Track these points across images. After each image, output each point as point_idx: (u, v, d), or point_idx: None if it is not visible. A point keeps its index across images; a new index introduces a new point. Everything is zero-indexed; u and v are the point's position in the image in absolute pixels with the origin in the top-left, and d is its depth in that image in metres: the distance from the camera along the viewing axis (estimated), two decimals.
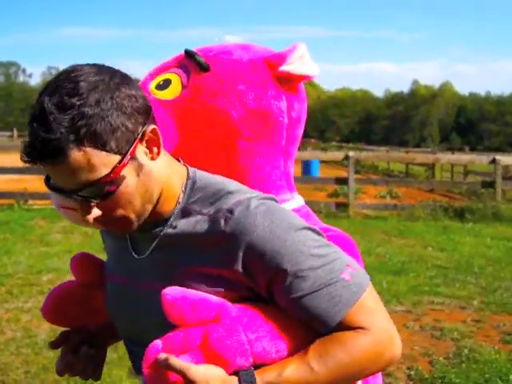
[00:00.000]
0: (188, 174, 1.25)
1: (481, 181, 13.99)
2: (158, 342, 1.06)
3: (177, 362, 1.01)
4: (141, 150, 1.12)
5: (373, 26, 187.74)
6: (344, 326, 1.12)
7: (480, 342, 4.88)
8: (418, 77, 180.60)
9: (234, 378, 1.05)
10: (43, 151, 1.02)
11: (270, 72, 1.46)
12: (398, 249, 8.63)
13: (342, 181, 12.47)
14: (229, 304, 1.12)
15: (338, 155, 14.54)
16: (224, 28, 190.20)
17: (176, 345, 1.06)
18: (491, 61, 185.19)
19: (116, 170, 1.07)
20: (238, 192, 1.20)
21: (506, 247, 8.89)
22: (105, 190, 1.08)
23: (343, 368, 1.11)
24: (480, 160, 13.96)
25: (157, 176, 1.16)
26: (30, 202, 11.93)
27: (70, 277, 5.49)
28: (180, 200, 1.22)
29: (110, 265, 1.39)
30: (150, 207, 1.18)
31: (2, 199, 11.91)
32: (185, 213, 1.21)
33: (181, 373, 1.01)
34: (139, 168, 1.12)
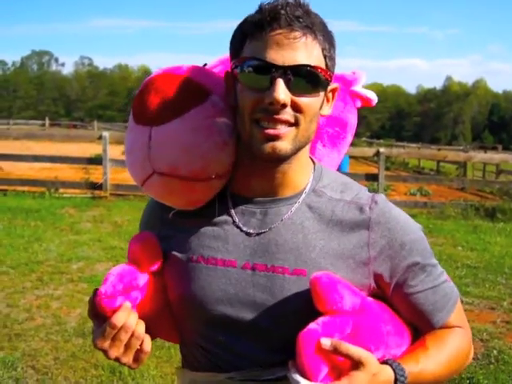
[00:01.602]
0: (312, 158, 1.31)
1: None
2: (316, 327, 1.08)
3: (344, 345, 1.06)
4: (328, 91, 1.21)
5: (406, 22, 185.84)
6: (447, 324, 1.25)
7: (509, 343, 4.82)
8: (452, 73, 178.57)
9: (387, 367, 1.11)
10: (300, 18, 1.10)
11: (346, 89, 1.49)
12: None
13: (372, 177, 12.36)
14: (365, 296, 1.18)
15: (368, 151, 14.43)
16: None
17: (333, 331, 1.08)
18: None
19: (328, 74, 1.15)
20: (361, 186, 1.29)
21: None
22: (317, 78, 1.13)
23: (452, 362, 1.24)
24: None
25: (316, 127, 1.21)
26: (61, 190, 12.06)
27: (99, 266, 5.57)
28: (310, 179, 1.26)
29: (193, 246, 1.26)
30: (303, 148, 1.20)
31: (33, 187, 12.08)
32: (316, 193, 1.25)
33: (348, 356, 1.05)
34: (322, 103, 1.19)
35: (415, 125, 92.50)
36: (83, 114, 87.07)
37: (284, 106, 1.09)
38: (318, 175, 1.27)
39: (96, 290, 1.19)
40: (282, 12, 1.09)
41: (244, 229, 1.23)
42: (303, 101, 1.12)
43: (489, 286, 6.52)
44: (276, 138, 1.11)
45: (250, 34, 1.13)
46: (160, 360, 4.26)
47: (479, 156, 16.56)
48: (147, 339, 1.17)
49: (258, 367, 1.20)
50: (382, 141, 41.55)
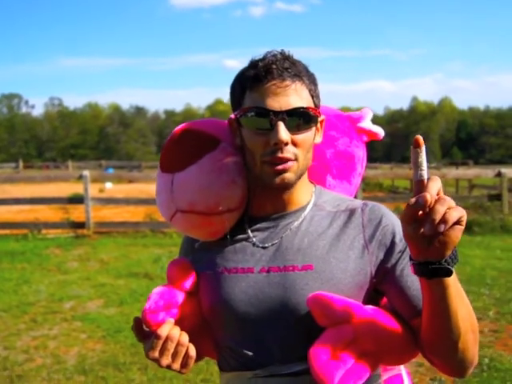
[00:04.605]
0: (312, 182, 1.51)
1: (487, 194, 14.11)
2: (319, 341, 1.24)
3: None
4: (318, 123, 1.40)
5: (369, 46, 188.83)
6: None
7: (499, 351, 4.99)
8: (417, 93, 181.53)
9: None
10: (288, 69, 1.32)
11: (352, 126, 1.72)
12: None
13: None
14: (362, 305, 1.31)
15: None
16: (223, 53, 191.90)
17: (335, 341, 1.23)
18: (488, 75, 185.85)
19: (317, 111, 1.37)
20: (354, 199, 1.49)
21: None
22: (309, 116, 1.34)
23: (470, 310, 1.22)
24: (485, 174, 14.10)
25: (312, 155, 1.41)
26: (44, 231, 12.06)
27: (91, 304, 5.78)
28: (312, 197, 1.47)
29: (218, 262, 1.44)
30: (304, 174, 1.40)
31: (15, 229, 12.07)
32: (318, 207, 1.45)
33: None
34: (315, 132, 1.40)
35: (385, 145, 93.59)
36: (55, 154, 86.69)
37: (286, 143, 1.30)
38: (318, 193, 1.49)
39: (136, 318, 1.39)
40: (274, 66, 1.30)
41: (259, 243, 1.42)
42: (300, 137, 1.33)
43: (473, 297, 6.67)
44: (283, 171, 1.32)
45: (249, 86, 1.34)
46: None
47: (453, 173, 16.93)
48: (191, 346, 1.35)
49: (277, 363, 1.34)
50: None
